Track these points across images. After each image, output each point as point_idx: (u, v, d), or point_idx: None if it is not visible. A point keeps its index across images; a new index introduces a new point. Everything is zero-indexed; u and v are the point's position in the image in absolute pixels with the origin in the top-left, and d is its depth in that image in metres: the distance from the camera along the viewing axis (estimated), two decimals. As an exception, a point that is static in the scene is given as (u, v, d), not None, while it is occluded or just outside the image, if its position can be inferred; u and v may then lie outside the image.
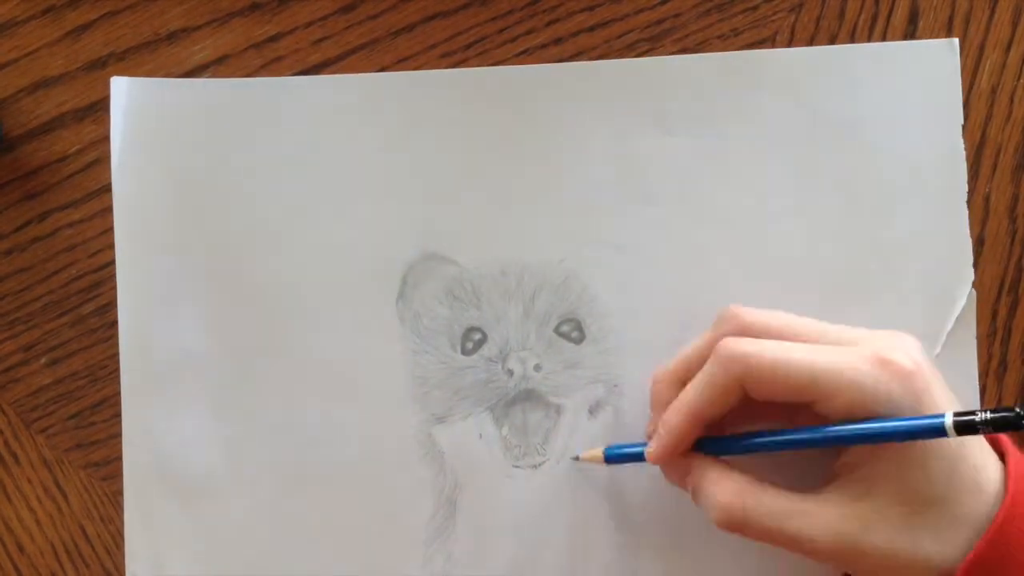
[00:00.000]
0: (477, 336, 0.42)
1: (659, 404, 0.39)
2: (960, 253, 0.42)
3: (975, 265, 0.43)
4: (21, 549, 0.43)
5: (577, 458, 0.42)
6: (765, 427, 0.37)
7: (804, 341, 0.36)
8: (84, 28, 0.44)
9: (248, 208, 0.42)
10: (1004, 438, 0.37)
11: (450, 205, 0.42)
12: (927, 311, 0.42)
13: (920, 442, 0.34)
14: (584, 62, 0.43)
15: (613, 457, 0.41)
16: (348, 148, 0.43)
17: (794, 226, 0.42)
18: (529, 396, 0.42)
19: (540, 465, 0.42)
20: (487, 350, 0.42)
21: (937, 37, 0.43)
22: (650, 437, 0.39)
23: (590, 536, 0.42)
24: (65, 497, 0.43)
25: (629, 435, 0.42)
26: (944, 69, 0.42)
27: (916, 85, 0.42)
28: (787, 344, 0.36)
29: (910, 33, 0.43)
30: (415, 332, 0.42)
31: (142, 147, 0.42)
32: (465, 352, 0.42)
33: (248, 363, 0.42)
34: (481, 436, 0.42)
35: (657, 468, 0.40)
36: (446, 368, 0.42)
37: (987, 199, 0.43)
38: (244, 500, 0.42)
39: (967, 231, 0.42)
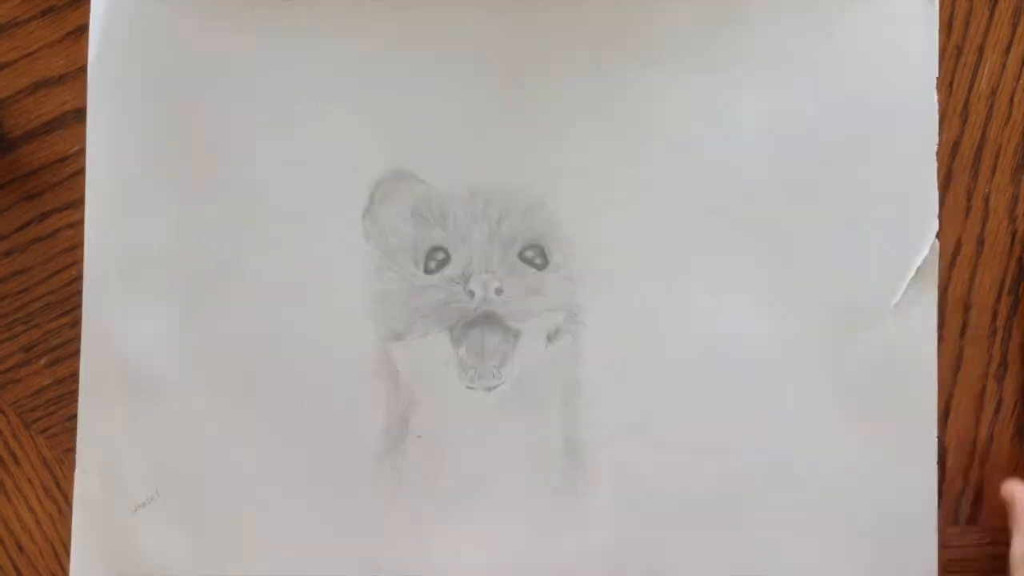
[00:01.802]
0: (440, 256, 0.42)
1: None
2: (926, 205, 0.42)
3: (975, 264, 0.43)
4: (21, 549, 0.43)
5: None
6: None
7: None
8: (84, 28, 0.44)
9: (221, 115, 0.43)
10: None
11: (421, 124, 0.42)
12: (889, 260, 0.42)
13: None
14: None
15: None
16: (324, 61, 0.43)
17: (764, 166, 0.42)
18: (489, 319, 0.42)
19: (494, 388, 0.42)
20: (450, 270, 0.42)
21: (938, 39, 0.43)
22: None
23: (540, 461, 0.42)
24: (65, 497, 0.43)
25: (585, 364, 0.42)
26: (922, 20, 0.42)
27: (892, 34, 0.42)
28: None
29: (910, 34, 0.43)
30: (379, 248, 0.42)
31: (117, 53, 0.43)
32: (428, 271, 0.42)
33: (213, 268, 0.42)
34: (438, 356, 0.42)
35: (598, 394, 0.41)
36: (408, 286, 0.42)
37: (987, 199, 0.43)
38: (199, 402, 0.42)
39: (935, 183, 0.42)
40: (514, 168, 0.42)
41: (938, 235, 0.42)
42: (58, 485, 0.43)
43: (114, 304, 0.43)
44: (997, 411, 0.43)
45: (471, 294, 0.42)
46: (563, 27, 0.42)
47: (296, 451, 0.42)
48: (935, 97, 0.42)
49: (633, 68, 0.42)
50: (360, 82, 0.43)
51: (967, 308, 0.43)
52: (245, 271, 0.42)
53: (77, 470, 0.42)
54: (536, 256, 0.42)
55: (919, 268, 0.42)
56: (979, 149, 0.43)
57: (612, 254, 0.42)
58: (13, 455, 0.43)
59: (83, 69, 0.43)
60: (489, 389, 0.42)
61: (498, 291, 0.42)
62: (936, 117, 0.42)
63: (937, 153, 0.43)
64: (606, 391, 0.42)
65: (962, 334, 0.43)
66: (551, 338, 0.42)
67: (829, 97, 0.42)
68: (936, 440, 0.42)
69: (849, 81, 0.42)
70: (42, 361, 0.43)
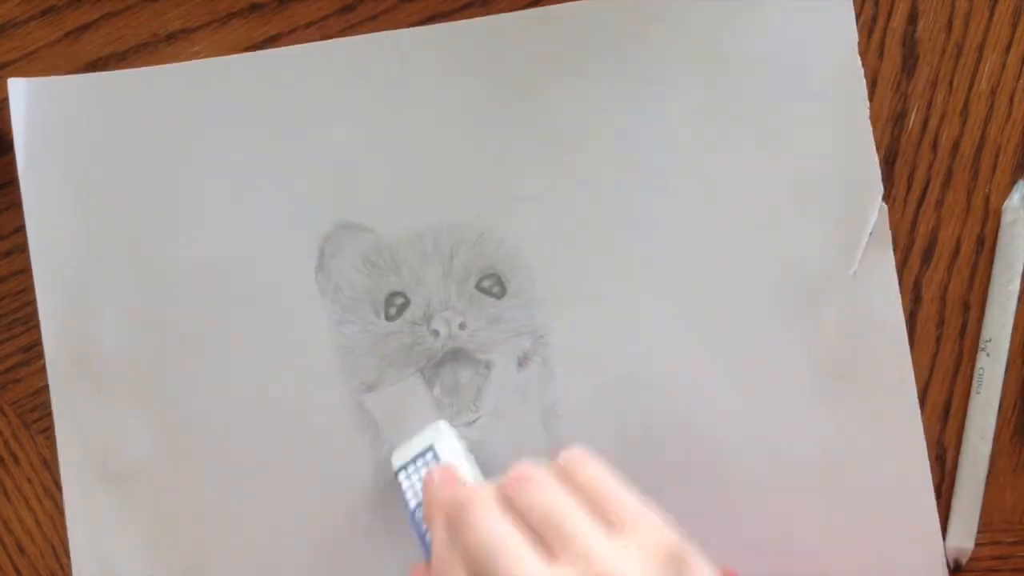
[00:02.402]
0: (399, 301, 0.42)
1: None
2: (868, 169, 0.42)
3: (975, 264, 0.43)
4: (21, 550, 0.43)
5: None
6: None
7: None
8: (84, 29, 0.44)
9: (159, 194, 0.42)
10: None
11: (361, 172, 0.42)
12: (840, 232, 0.42)
13: None
14: (481, 18, 0.43)
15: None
16: (256, 124, 0.42)
17: (705, 161, 0.42)
18: (457, 355, 0.42)
19: (474, 422, 0.42)
20: (410, 314, 0.42)
21: (937, 38, 0.43)
22: None
23: None
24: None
25: (558, 383, 0.42)
26: None
27: (812, 11, 0.42)
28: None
29: (910, 34, 0.43)
30: (336, 303, 0.42)
31: (46, 146, 0.42)
32: (389, 318, 0.42)
33: (174, 348, 0.42)
34: (413, 399, 0.42)
35: (577, 410, 0.41)
36: (371, 336, 0.42)
37: (987, 199, 0.43)
38: (181, 486, 0.42)
39: (872, 147, 0.42)
40: (458, 201, 0.42)
41: (885, 198, 0.42)
42: (58, 485, 0.43)
43: (82, 401, 0.42)
44: (998, 410, 0.43)
45: (435, 334, 0.42)
46: (491, 50, 0.42)
47: (289, 516, 0.42)
48: (859, 62, 0.42)
49: (567, 84, 0.42)
50: (294, 138, 0.42)
51: (967, 308, 0.43)
52: (206, 347, 0.42)
53: (73, 571, 0.42)
54: (494, 285, 0.42)
55: (871, 233, 0.42)
56: (979, 149, 0.43)
57: (569, 272, 0.42)
58: (13, 455, 0.43)
59: (82, 69, 0.43)
60: (469, 424, 0.42)
61: (462, 326, 0.42)
62: (863, 83, 0.42)
63: (935, 150, 0.43)
64: (583, 405, 0.42)
65: (962, 334, 0.43)
66: (521, 363, 0.42)
67: (758, 79, 0.42)
68: (917, 404, 0.42)
69: (775, 60, 0.42)
70: (42, 361, 0.43)
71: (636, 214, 0.42)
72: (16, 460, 0.43)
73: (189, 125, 0.42)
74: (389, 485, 0.42)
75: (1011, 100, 0.43)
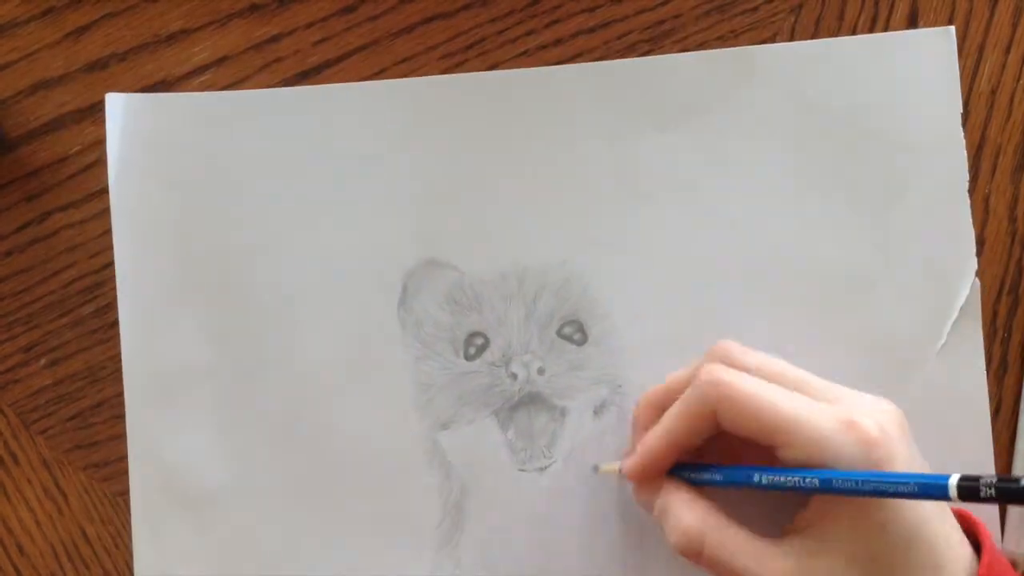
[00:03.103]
0: (480, 341, 0.42)
1: (639, 426, 0.39)
2: (963, 244, 0.42)
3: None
4: (21, 550, 0.43)
5: (596, 468, 0.41)
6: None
7: (788, 387, 0.36)
8: (84, 29, 0.44)
9: (246, 218, 0.42)
10: (984, 530, 0.36)
11: (448, 210, 0.42)
12: (930, 304, 0.42)
13: (880, 507, 0.34)
14: (577, 64, 0.43)
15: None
16: (345, 155, 0.42)
17: (794, 221, 0.42)
18: (533, 399, 0.42)
19: (547, 468, 0.42)
20: (490, 355, 0.42)
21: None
22: (630, 474, 0.39)
23: (599, 538, 0.41)
24: (65, 498, 0.43)
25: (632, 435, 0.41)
26: (941, 57, 0.42)
27: (913, 74, 0.42)
28: (765, 384, 0.35)
29: (910, 34, 0.43)
30: (417, 338, 0.42)
31: (140, 162, 0.42)
32: (468, 357, 0.42)
33: (251, 373, 0.42)
34: (487, 441, 0.42)
35: None
36: (449, 374, 0.42)
37: (987, 200, 0.43)
38: (251, 510, 0.42)
39: (969, 221, 0.42)
40: (544, 245, 0.42)
41: (978, 274, 0.42)
42: (57, 485, 0.43)
43: (157, 421, 0.42)
44: (997, 412, 0.43)
45: (514, 376, 0.42)
46: (579, 100, 0.42)
47: (354, 550, 0.42)
48: (961, 134, 0.42)
49: (652, 134, 0.42)
50: (382, 172, 0.42)
51: (967, 308, 0.43)
52: (284, 374, 0.42)
53: None
54: (575, 332, 0.42)
55: (962, 308, 0.42)
56: (979, 149, 0.43)
57: (650, 322, 0.42)
58: (13, 455, 0.43)
59: (82, 69, 0.43)
60: (542, 469, 0.42)
61: (540, 371, 0.42)
62: (964, 153, 0.42)
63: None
64: None
65: (962, 334, 0.43)
66: (597, 412, 0.42)
67: (853, 142, 0.42)
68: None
69: (872, 124, 0.42)
70: (42, 362, 0.43)
71: (716, 269, 0.42)
72: (16, 460, 0.43)
73: (279, 151, 0.42)
74: (455, 525, 0.42)
75: (1011, 100, 0.43)
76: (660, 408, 0.38)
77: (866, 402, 0.36)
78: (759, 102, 0.42)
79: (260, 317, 0.42)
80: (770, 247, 0.42)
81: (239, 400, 0.42)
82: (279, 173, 0.42)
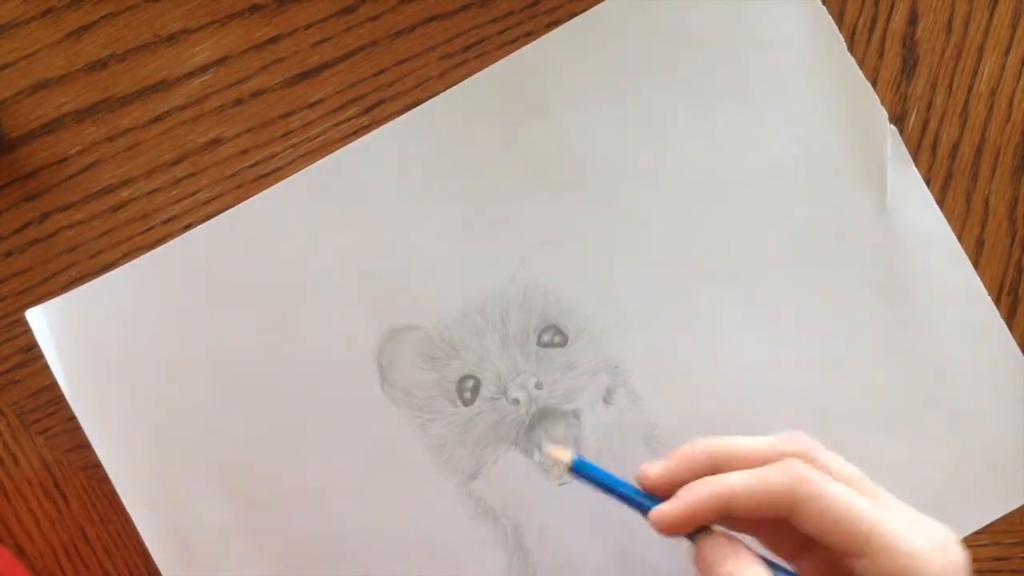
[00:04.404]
0: (471, 383, 0.42)
1: (684, 464, 0.36)
2: (867, 98, 0.43)
3: (975, 265, 0.43)
4: (21, 551, 0.43)
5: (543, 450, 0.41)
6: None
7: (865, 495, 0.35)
8: (84, 29, 0.44)
9: (211, 362, 0.42)
10: None
11: (385, 276, 0.42)
12: (864, 172, 0.43)
13: None
14: (457, 86, 0.43)
15: (582, 471, 0.38)
16: (274, 273, 0.42)
17: (711, 134, 0.43)
18: (544, 415, 0.42)
19: None
20: (485, 391, 0.42)
21: (937, 40, 0.43)
22: (648, 480, 0.36)
23: None
24: (65, 498, 0.43)
25: (650, 403, 0.42)
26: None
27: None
28: (853, 492, 0.34)
29: (910, 35, 0.43)
30: (412, 407, 0.42)
31: (84, 359, 0.42)
32: (466, 403, 0.42)
33: (271, 504, 0.42)
34: (517, 472, 0.42)
35: (674, 423, 0.41)
36: (456, 426, 0.42)
37: (987, 201, 0.43)
38: None
39: (862, 77, 0.43)
40: (488, 269, 0.42)
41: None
42: (57, 486, 0.43)
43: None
44: (997, 412, 0.43)
45: (516, 402, 0.42)
46: (468, 118, 0.43)
47: None
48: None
49: (540, 121, 0.42)
50: (310, 275, 0.42)
51: (967, 309, 0.43)
52: (305, 497, 0.42)
53: None
54: (554, 336, 0.42)
55: (890, 159, 0.42)
56: (979, 151, 0.43)
57: (618, 296, 0.42)
58: (13, 456, 0.43)
59: (82, 69, 0.43)
60: None
61: (538, 386, 0.42)
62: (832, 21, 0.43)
63: (935, 152, 0.43)
64: (681, 416, 0.42)
65: (962, 335, 0.43)
66: (607, 400, 0.42)
67: (733, 61, 0.43)
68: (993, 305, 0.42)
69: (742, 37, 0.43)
70: (42, 362, 0.43)
71: (652, 229, 0.42)
72: (16, 461, 0.43)
73: (213, 288, 0.42)
74: (525, 563, 0.42)
75: (1011, 102, 0.43)
76: (713, 463, 0.36)
77: (938, 525, 0.35)
78: (641, 49, 0.42)
79: (262, 450, 0.42)
80: (694, 177, 0.42)
81: (269, 536, 0.42)
82: (219, 309, 0.42)
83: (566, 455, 0.38)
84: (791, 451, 0.35)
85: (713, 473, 0.35)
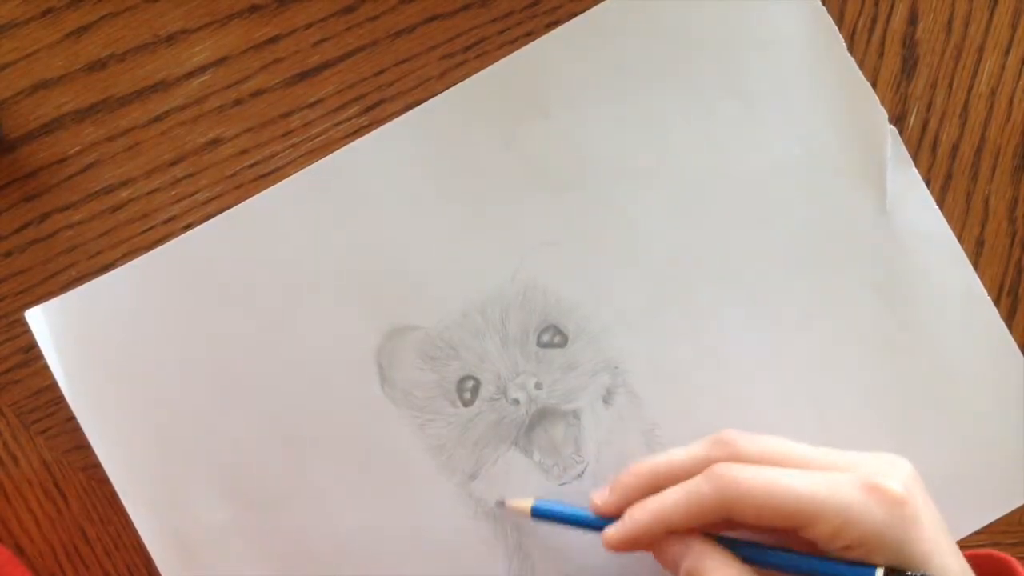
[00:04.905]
0: (470, 384, 0.42)
1: (625, 489, 0.38)
2: (868, 99, 0.43)
3: (975, 265, 0.43)
4: (21, 551, 0.43)
5: (502, 504, 0.41)
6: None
7: (796, 466, 0.36)
8: (84, 29, 0.43)
9: (211, 362, 0.42)
10: (1017, 566, 0.37)
11: (386, 277, 0.42)
12: (864, 173, 0.42)
13: None
14: (455, 87, 0.43)
15: (543, 513, 0.40)
16: (274, 273, 0.42)
17: (715, 134, 0.42)
18: (543, 415, 0.42)
19: (583, 472, 0.42)
20: (485, 392, 0.42)
21: (937, 40, 0.43)
22: (598, 509, 0.38)
23: None
24: (65, 499, 0.43)
25: (650, 404, 0.42)
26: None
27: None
28: (776, 471, 0.35)
29: (910, 35, 0.43)
30: (412, 407, 0.42)
31: (83, 359, 0.42)
32: (466, 403, 0.42)
33: (272, 504, 0.42)
34: (517, 472, 0.42)
35: (674, 421, 0.41)
36: (456, 427, 0.42)
37: (987, 201, 0.43)
38: None
39: (862, 78, 0.43)
40: (489, 269, 0.42)
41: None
42: (57, 486, 0.43)
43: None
44: (996, 412, 0.43)
45: (516, 402, 0.42)
46: (467, 119, 0.42)
47: None
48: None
49: (540, 121, 0.42)
50: (311, 274, 0.42)
51: (967, 309, 0.43)
52: (306, 496, 0.42)
53: None
54: (554, 336, 0.42)
55: (890, 159, 0.42)
56: (979, 151, 0.43)
57: (616, 298, 0.42)
58: (13, 456, 0.43)
59: (82, 69, 0.43)
60: (580, 475, 0.42)
61: (538, 386, 0.42)
62: (831, 21, 0.43)
63: (935, 152, 0.43)
64: (681, 416, 0.42)
65: (961, 335, 0.43)
66: (607, 400, 0.42)
67: (733, 59, 0.43)
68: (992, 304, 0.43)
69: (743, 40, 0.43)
70: (41, 362, 0.43)
71: (652, 230, 0.42)
72: (16, 461, 0.43)
73: (211, 291, 0.42)
74: (525, 563, 0.42)
75: (1011, 102, 0.43)
76: (655, 481, 0.37)
77: (881, 462, 0.36)
78: (641, 50, 0.42)
79: (263, 452, 0.42)
80: (694, 177, 0.42)
81: (269, 536, 0.42)
82: (219, 310, 0.42)
83: (525, 504, 0.40)
84: (715, 454, 0.36)
85: (657, 490, 0.37)
